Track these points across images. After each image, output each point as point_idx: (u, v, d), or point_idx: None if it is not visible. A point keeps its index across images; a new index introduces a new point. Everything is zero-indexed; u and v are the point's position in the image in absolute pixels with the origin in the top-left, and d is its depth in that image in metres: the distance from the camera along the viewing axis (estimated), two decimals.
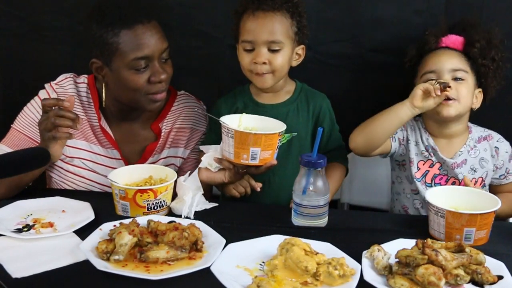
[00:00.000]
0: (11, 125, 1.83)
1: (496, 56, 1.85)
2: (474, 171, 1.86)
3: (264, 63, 1.73)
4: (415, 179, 1.88)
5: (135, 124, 1.90)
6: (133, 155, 1.89)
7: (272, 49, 1.73)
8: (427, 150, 1.87)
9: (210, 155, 1.70)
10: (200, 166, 1.71)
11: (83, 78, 1.87)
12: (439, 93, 1.69)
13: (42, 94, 1.84)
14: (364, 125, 1.80)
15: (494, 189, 1.92)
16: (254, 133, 1.59)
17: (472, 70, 1.83)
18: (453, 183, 1.86)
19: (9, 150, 1.75)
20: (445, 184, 1.87)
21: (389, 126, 1.77)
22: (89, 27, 1.73)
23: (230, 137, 1.61)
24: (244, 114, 1.73)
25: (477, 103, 1.86)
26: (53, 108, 1.63)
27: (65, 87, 1.84)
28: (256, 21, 1.72)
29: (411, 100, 1.72)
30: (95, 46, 1.72)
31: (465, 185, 1.72)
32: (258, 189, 1.73)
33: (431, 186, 1.87)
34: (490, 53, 1.84)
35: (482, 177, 1.87)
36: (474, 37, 1.85)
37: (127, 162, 1.86)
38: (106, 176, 1.70)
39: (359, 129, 1.81)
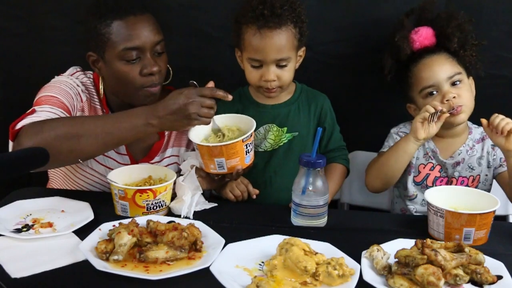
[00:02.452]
0: (41, 96, 1.73)
1: (473, 41, 1.84)
2: (472, 169, 1.86)
3: (274, 80, 1.73)
4: (412, 184, 1.89)
5: None
6: (138, 153, 1.90)
7: (280, 65, 1.73)
8: (427, 153, 1.87)
9: (188, 163, 1.72)
10: (181, 173, 1.72)
11: (89, 74, 1.88)
12: (437, 120, 1.70)
13: (69, 79, 1.82)
14: (376, 169, 1.82)
15: (499, 180, 1.88)
16: (212, 145, 1.59)
17: (460, 64, 1.82)
18: (451, 183, 1.87)
19: (55, 109, 1.68)
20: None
21: (401, 164, 1.79)
22: (86, 20, 1.76)
23: (196, 148, 1.63)
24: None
25: (473, 91, 1.86)
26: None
27: (81, 79, 1.84)
28: (264, 41, 1.70)
29: (415, 135, 1.72)
30: (90, 38, 1.75)
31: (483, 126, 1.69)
32: (254, 197, 1.75)
33: None
34: (467, 41, 1.83)
35: (479, 175, 1.87)
36: (446, 30, 1.83)
37: (132, 158, 1.87)
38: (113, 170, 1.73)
39: (373, 174, 1.84)
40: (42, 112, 1.64)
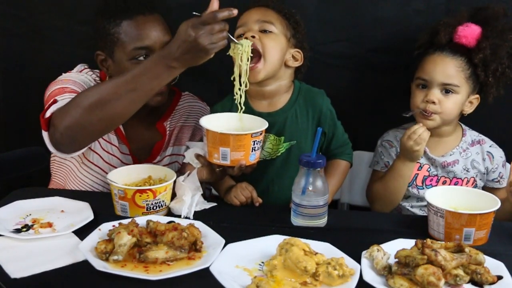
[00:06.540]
0: (56, 88, 1.73)
1: (499, 68, 1.79)
2: (467, 171, 1.87)
3: (253, 36, 1.67)
4: None
5: (141, 123, 1.91)
6: (141, 153, 1.90)
7: (264, 29, 1.71)
8: None
9: (192, 151, 1.70)
10: (183, 161, 1.71)
11: (96, 73, 1.88)
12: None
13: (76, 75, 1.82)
14: (379, 198, 1.88)
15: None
16: (221, 132, 1.56)
17: (471, 78, 1.79)
18: (444, 182, 1.87)
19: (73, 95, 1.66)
20: (436, 185, 1.88)
21: (403, 187, 1.84)
22: (95, 20, 1.76)
23: (204, 135, 1.61)
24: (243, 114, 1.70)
25: (469, 109, 1.85)
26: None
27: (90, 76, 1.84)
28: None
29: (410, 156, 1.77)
30: (99, 37, 1.75)
31: None
32: (257, 205, 1.71)
33: (423, 189, 1.88)
34: (492, 65, 1.78)
35: (473, 177, 1.88)
36: (482, 43, 1.77)
37: (135, 158, 1.88)
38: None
39: (377, 203, 1.89)
40: (64, 100, 1.64)
